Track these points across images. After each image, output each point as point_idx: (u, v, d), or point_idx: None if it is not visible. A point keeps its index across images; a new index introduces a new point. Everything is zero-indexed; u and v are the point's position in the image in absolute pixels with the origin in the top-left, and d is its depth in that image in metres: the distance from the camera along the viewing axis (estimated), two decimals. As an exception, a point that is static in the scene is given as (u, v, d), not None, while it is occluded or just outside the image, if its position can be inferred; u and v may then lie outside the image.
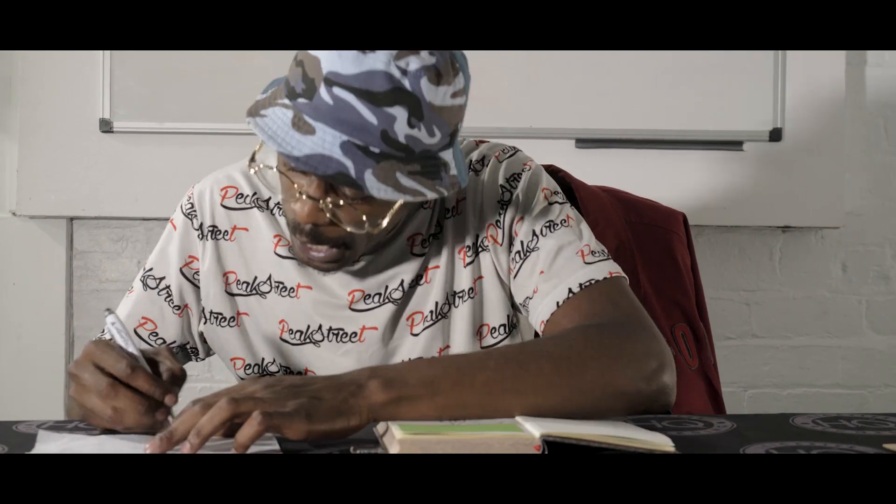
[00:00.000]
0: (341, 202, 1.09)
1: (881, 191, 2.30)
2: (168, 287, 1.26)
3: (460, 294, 1.25)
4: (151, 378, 1.00)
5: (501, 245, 1.24)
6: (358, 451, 0.96)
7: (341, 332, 1.24)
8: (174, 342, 1.27)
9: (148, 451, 0.91)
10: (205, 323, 1.28)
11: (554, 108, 2.04)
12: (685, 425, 1.10)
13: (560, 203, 1.25)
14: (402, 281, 1.24)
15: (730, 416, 1.21)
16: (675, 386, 1.10)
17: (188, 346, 1.30)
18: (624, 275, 1.19)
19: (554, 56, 2.05)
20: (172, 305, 1.26)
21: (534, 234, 1.21)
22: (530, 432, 0.93)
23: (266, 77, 2.09)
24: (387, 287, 1.24)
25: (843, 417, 1.16)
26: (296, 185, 1.09)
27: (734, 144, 2.17)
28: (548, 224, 1.21)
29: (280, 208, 1.26)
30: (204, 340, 1.30)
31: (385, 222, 1.11)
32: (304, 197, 1.08)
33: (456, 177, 1.13)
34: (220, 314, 1.26)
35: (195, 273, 1.26)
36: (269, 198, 1.27)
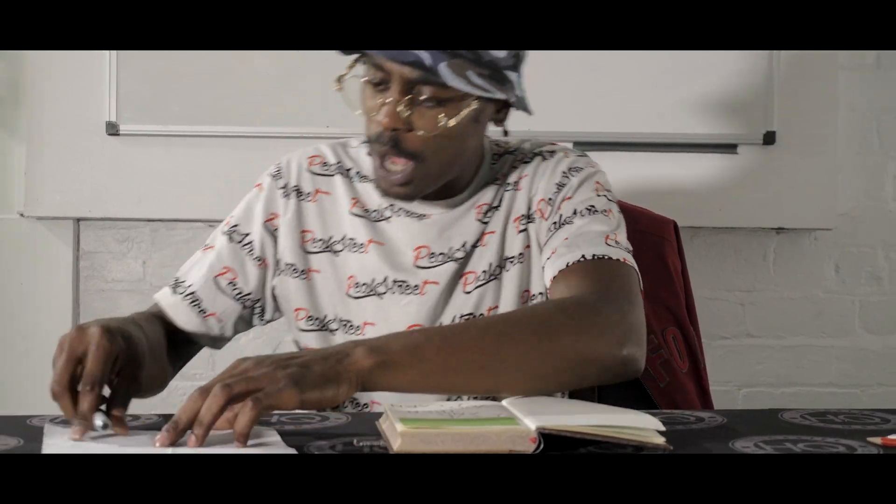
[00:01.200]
0: (421, 97, 1.18)
1: (873, 193, 2.31)
2: (251, 242, 1.32)
3: (511, 259, 1.32)
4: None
5: (546, 220, 1.30)
6: (361, 444, 0.98)
7: (405, 285, 1.30)
8: (249, 294, 1.32)
9: (157, 445, 0.94)
10: (278, 275, 1.33)
11: (551, 111, 2.05)
12: (677, 420, 1.12)
13: (608, 199, 1.32)
14: (465, 243, 1.31)
15: (720, 412, 1.23)
16: (642, 357, 1.14)
17: (256, 306, 1.35)
18: (637, 271, 1.24)
19: (550, 59, 2.05)
20: (253, 257, 1.32)
21: (574, 212, 1.28)
22: (527, 425, 0.96)
23: (268, 80, 2.13)
24: (451, 248, 1.31)
25: (831, 413, 1.18)
26: (378, 99, 1.19)
27: (728, 147, 2.18)
28: (589, 207, 1.28)
29: (360, 177, 1.35)
30: (273, 298, 1.35)
31: (454, 121, 1.19)
32: (386, 101, 1.18)
33: (524, 100, 1.26)
34: (294, 265, 1.32)
35: (275, 229, 1.33)
36: (350, 167, 1.36)
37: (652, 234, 1.63)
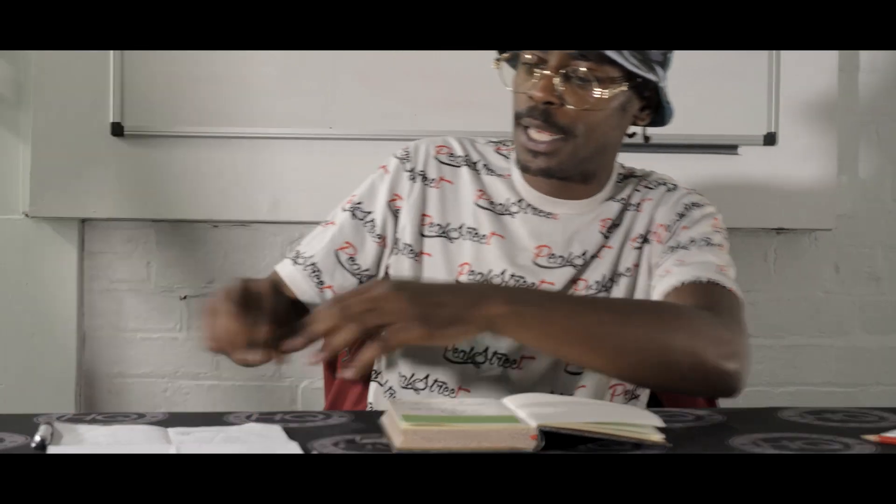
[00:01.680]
0: (577, 71, 1.22)
1: (873, 194, 2.31)
2: (373, 220, 1.35)
3: (621, 274, 1.34)
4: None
5: (662, 244, 1.32)
6: (364, 442, 0.99)
7: (521, 281, 1.31)
8: (366, 269, 1.34)
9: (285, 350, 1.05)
10: (395, 254, 1.35)
11: None
12: (676, 417, 1.13)
13: (723, 237, 1.34)
14: (585, 252, 1.33)
15: (719, 410, 1.23)
16: (745, 378, 1.17)
17: (360, 278, 1.35)
18: (744, 303, 1.26)
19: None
20: (374, 235, 1.34)
21: (691, 240, 1.30)
22: (527, 423, 0.97)
23: (270, 82, 2.13)
24: (571, 253, 1.33)
25: (829, 411, 1.18)
26: (534, 73, 1.24)
27: (729, 148, 2.19)
28: (705, 239, 1.30)
29: (487, 170, 1.38)
30: (386, 276, 1.36)
31: (608, 94, 1.24)
32: (542, 73, 1.23)
33: (669, 103, 1.31)
34: (410, 246, 1.34)
35: (398, 209, 1.35)
36: (477, 161, 1.39)
37: None
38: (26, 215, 2.18)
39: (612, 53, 1.21)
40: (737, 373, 1.15)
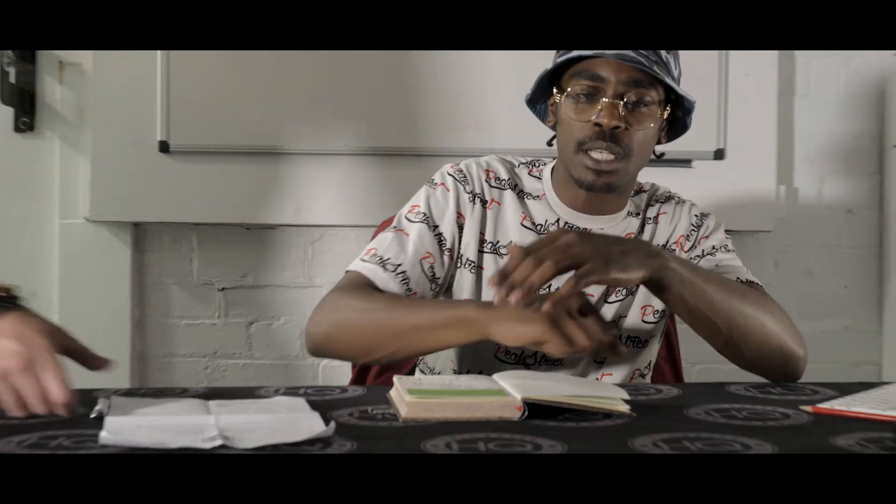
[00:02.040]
0: (636, 103, 1.19)
1: (805, 202, 2.31)
2: (442, 234, 1.28)
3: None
4: None
5: (686, 252, 1.33)
6: (375, 412, 0.99)
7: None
8: (439, 278, 1.29)
9: (491, 285, 1.02)
10: (459, 267, 1.31)
11: (526, 126, 2.01)
12: (641, 391, 1.13)
13: (730, 242, 1.36)
14: None
15: (676, 385, 1.24)
16: (805, 367, 1.23)
17: (440, 291, 1.32)
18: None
19: (520, 77, 2.04)
20: (445, 248, 1.28)
21: (713, 248, 1.32)
22: (513, 396, 0.97)
23: (295, 106, 2.13)
24: None
25: (770, 385, 1.19)
26: (594, 107, 1.20)
27: (685, 162, 2.18)
28: (724, 246, 1.33)
29: (527, 195, 1.34)
30: (449, 287, 1.33)
31: (658, 113, 1.23)
32: (606, 100, 1.18)
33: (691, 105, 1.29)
34: (472, 261, 1.30)
35: (462, 226, 1.29)
36: (518, 185, 1.34)
37: None
38: (87, 220, 2.18)
39: (668, 80, 1.19)
40: (805, 358, 1.20)
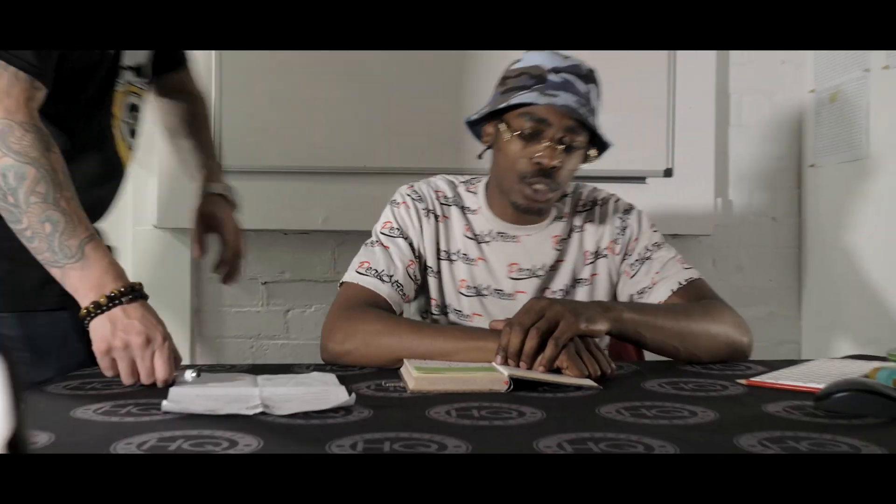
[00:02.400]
0: (569, 146, 1.16)
1: (738, 211, 2.30)
2: (412, 243, 1.25)
3: (580, 281, 1.29)
4: None
5: (617, 255, 1.28)
6: (388, 385, 0.98)
7: (501, 292, 1.26)
8: (419, 280, 1.26)
9: (499, 362, 1.00)
10: (423, 271, 1.27)
11: None
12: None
13: (658, 232, 1.30)
14: (544, 265, 1.27)
15: (635, 362, 1.23)
16: (752, 348, 1.19)
17: (416, 287, 1.27)
18: (703, 278, 1.25)
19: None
20: (415, 255, 1.25)
21: (647, 248, 1.27)
22: (501, 373, 0.96)
23: (324, 131, 2.12)
24: (534, 266, 1.27)
25: (712, 363, 1.18)
26: (538, 144, 1.15)
27: (640, 179, 2.18)
28: (655, 244, 1.27)
29: (468, 210, 1.29)
30: (417, 286, 1.27)
31: (583, 153, 1.20)
32: (548, 144, 1.14)
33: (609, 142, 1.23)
34: (431, 267, 1.27)
35: (422, 238, 1.26)
36: (461, 203, 1.30)
37: None
38: (155, 226, 2.17)
39: (593, 124, 1.16)
40: (750, 342, 1.18)
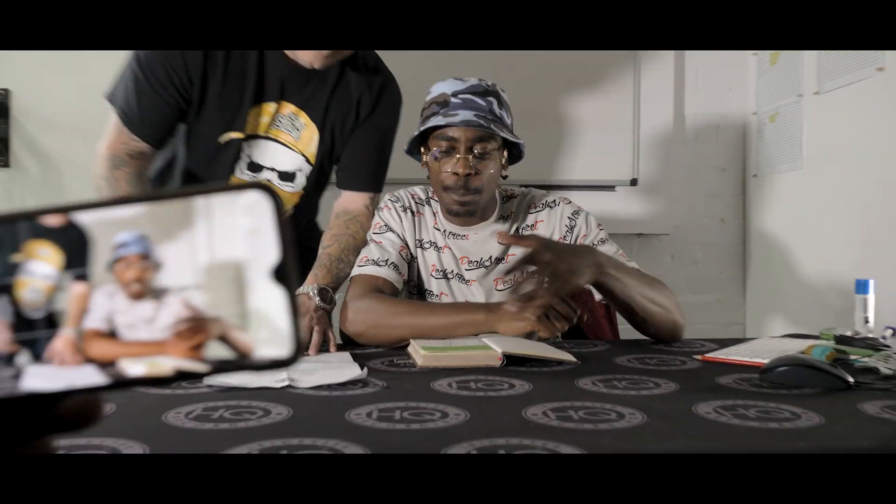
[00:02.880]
0: (481, 154, 1.13)
1: (692, 213, 2.28)
2: (399, 234, 1.23)
3: (528, 271, 1.24)
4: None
5: None
6: (398, 361, 0.97)
7: (461, 277, 1.23)
8: (409, 260, 1.23)
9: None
10: (411, 258, 1.24)
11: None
12: (583, 346, 1.11)
13: (603, 229, 1.25)
14: (491, 257, 1.23)
15: (608, 341, 1.21)
16: (684, 331, 1.16)
17: (409, 267, 1.24)
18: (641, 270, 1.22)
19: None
20: (404, 242, 1.23)
21: (593, 244, 1.21)
22: (496, 350, 0.94)
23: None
24: (481, 258, 1.23)
25: (653, 340, 1.15)
26: (452, 159, 1.13)
27: (609, 188, 2.17)
28: (601, 240, 1.22)
29: (433, 211, 1.26)
30: (408, 268, 1.25)
31: (503, 163, 1.18)
32: (459, 156, 1.13)
33: (524, 146, 1.20)
34: (412, 255, 1.24)
35: (403, 229, 1.24)
36: (430, 204, 1.26)
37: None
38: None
39: (502, 133, 1.13)
40: (685, 325, 1.15)
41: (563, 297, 1.00)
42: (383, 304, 1.11)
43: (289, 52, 1.17)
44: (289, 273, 0.25)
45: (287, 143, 1.24)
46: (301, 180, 1.28)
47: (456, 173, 1.14)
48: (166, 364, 0.25)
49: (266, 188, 0.25)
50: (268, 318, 0.25)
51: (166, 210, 0.25)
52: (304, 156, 1.25)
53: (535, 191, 1.31)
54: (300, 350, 0.25)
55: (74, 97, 1.93)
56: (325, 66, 1.17)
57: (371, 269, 1.19)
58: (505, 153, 1.20)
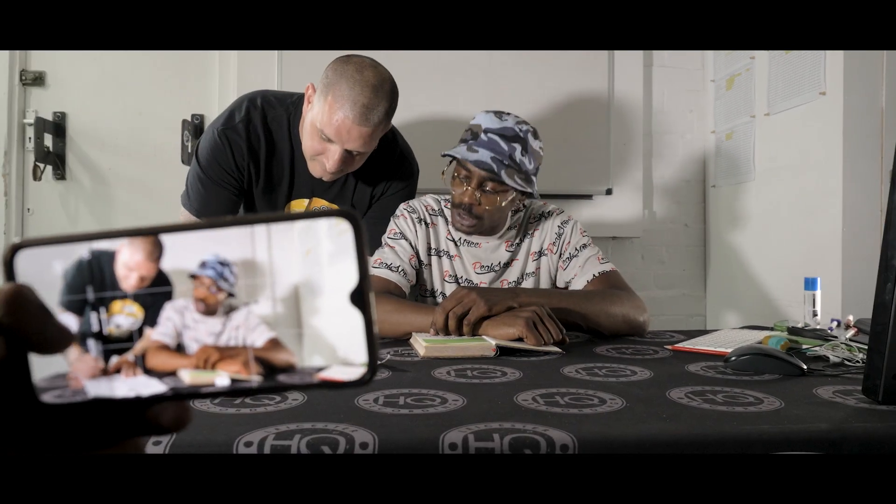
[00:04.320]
0: (486, 190, 1.12)
1: (660, 219, 2.24)
2: (411, 242, 1.21)
3: (528, 274, 1.23)
4: None
5: (555, 254, 1.22)
6: (403, 351, 0.94)
7: (470, 282, 1.21)
8: (417, 268, 1.21)
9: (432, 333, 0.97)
10: (419, 263, 1.22)
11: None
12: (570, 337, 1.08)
13: (587, 236, 1.23)
14: (500, 262, 1.21)
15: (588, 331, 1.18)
16: (648, 325, 1.12)
17: (407, 276, 1.19)
18: (617, 270, 1.18)
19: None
20: (413, 251, 1.20)
21: (575, 248, 1.20)
22: (490, 342, 0.92)
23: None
24: (492, 263, 1.21)
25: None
26: (463, 187, 1.13)
27: (588, 196, 2.13)
28: (582, 245, 1.20)
29: (447, 220, 1.23)
30: (416, 272, 1.22)
31: (505, 203, 1.14)
32: (467, 189, 1.12)
33: (537, 193, 1.18)
34: (424, 262, 1.21)
35: (417, 238, 1.21)
36: (443, 213, 1.23)
37: None
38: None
39: (508, 181, 1.08)
40: (646, 321, 1.11)
41: (551, 315, 0.97)
42: (390, 304, 1.08)
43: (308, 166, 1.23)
44: (366, 296, 0.23)
45: None
46: None
47: (462, 200, 1.13)
48: (242, 377, 0.24)
49: (351, 215, 0.23)
50: (345, 340, 0.23)
51: (252, 233, 0.23)
52: None
53: (536, 202, 1.30)
54: (374, 370, 0.23)
55: (122, 119, 1.91)
56: (331, 179, 1.21)
57: (384, 273, 1.16)
58: (521, 192, 1.17)
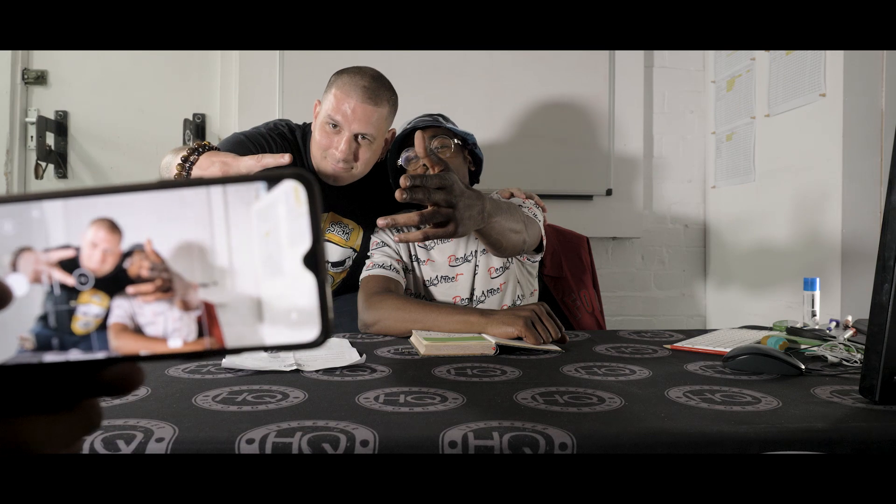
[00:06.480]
0: (435, 148, 1.14)
1: (660, 219, 2.24)
2: (394, 250, 1.20)
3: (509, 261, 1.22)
4: None
5: None
6: (403, 349, 0.94)
7: (447, 277, 1.20)
8: (404, 267, 1.20)
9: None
10: (402, 268, 1.20)
11: (499, 169, 1.99)
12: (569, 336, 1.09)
13: (527, 206, 1.21)
14: (473, 251, 1.20)
15: (588, 331, 1.18)
16: (534, 244, 1.12)
17: (400, 273, 1.20)
18: (541, 226, 1.17)
19: (493, 127, 2.01)
20: (399, 256, 1.20)
21: (520, 205, 1.19)
22: (490, 341, 0.92)
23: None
24: (465, 254, 1.20)
25: (644, 332, 1.13)
26: (419, 162, 1.13)
27: (588, 197, 2.14)
28: (518, 205, 1.16)
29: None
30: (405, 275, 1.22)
31: (451, 154, 1.16)
32: (421, 162, 1.12)
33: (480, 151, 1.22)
34: (407, 266, 1.20)
35: (399, 247, 1.21)
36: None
37: (573, 241, 1.57)
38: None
39: (443, 123, 1.16)
40: (528, 241, 1.08)
41: (550, 314, 0.96)
42: (394, 302, 1.08)
43: (316, 170, 1.20)
44: (319, 259, 0.23)
45: (338, 243, 1.28)
46: (349, 264, 1.31)
47: (418, 166, 1.15)
48: (190, 341, 0.23)
49: (302, 176, 0.23)
50: (298, 302, 0.23)
51: (202, 195, 0.23)
52: (352, 248, 1.29)
53: (495, 193, 1.30)
54: (328, 333, 0.23)
55: (121, 117, 1.91)
56: (343, 171, 1.17)
57: (380, 272, 1.17)
58: (468, 155, 1.21)
